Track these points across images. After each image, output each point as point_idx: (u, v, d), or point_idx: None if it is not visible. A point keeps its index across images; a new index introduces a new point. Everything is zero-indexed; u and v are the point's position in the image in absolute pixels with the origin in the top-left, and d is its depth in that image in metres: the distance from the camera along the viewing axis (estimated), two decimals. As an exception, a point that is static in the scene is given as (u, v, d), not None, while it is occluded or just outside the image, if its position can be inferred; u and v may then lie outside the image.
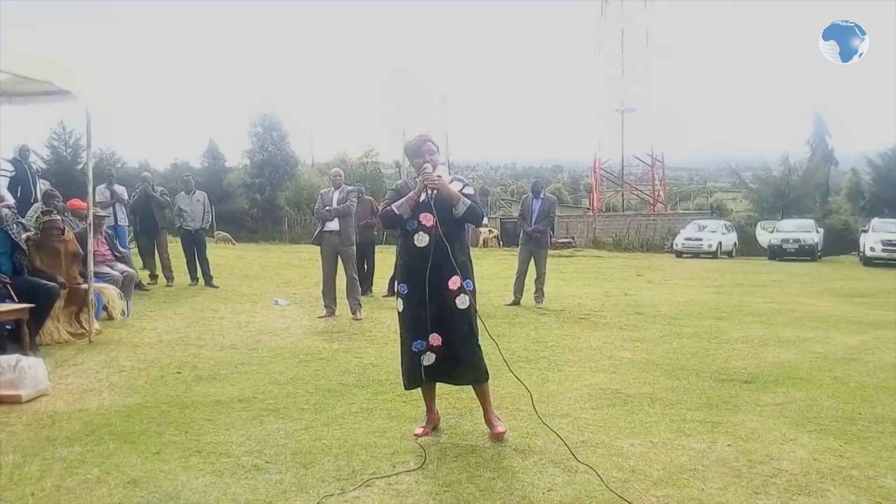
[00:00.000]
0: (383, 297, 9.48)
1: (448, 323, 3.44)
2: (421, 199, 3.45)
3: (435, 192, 3.41)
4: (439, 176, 3.45)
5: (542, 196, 8.94)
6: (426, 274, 3.38)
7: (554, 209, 9.03)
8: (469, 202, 3.45)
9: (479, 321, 3.52)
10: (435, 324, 3.43)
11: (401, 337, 3.61)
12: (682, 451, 3.34)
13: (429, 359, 3.47)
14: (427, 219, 3.44)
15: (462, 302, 3.45)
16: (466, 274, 3.50)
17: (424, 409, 3.72)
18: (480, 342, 3.54)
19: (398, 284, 3.60)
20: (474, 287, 3.57)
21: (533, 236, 8.70)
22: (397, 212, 3.46)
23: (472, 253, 3.79)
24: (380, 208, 3.84)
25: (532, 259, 8.77)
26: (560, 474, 3.03)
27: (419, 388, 3.64)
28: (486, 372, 3.57)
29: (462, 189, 3.52)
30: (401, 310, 3.56)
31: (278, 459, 3.18)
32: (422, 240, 3.45)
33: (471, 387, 3.65)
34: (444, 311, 3.42)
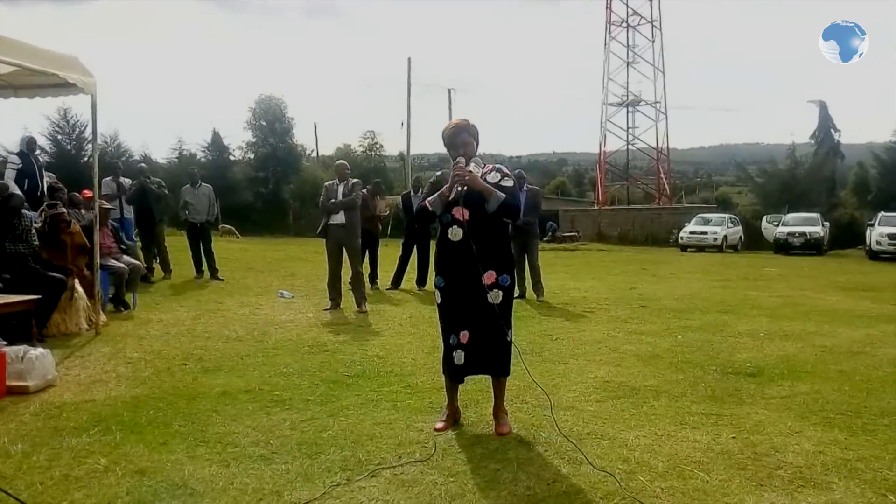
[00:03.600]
0: (387, 290, 9.51)
1: (478, 318, 3.41)
2: (451, 197, 3.39)
3: (465, 188, 3.35)
4: (470, 171, 3.35)
5: (526, 188, 8.95)
6: (460, 268, 3.39)
7: (539, 199, 9.02)
8: (502, 197, 3.35)
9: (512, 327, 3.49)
10: (466, 320, 3.42)
11: (441, 328, 3.60)
12: (687, 444, 3.34)
13: (459, 357, 3.46)
14: (460, 213, 3.39)
15: (494, 297, 3.40)
16: (503, 269, 3.45)
17: (444, 402, 3.69)
18: (510, 337, 3.50)
19: (435, 276, 3.57)
20: (512, 282, 3.51)
21: (523, 228, 8.67)
22: (430, 208, 3.44)
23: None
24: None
25: (525, 251, 8.79)
26: (564, 466, 3.04)
27: (443, 380, 3.66)
28: (509, 368, 3.55)
29: (500, 181, 3.43)
30: (439, 302, 3.56)
31: (284, 450, 3.20)
32: (455, 234, 3.42)
33: (481, 377, 3.64)
34: (476, 306, 3.40)
